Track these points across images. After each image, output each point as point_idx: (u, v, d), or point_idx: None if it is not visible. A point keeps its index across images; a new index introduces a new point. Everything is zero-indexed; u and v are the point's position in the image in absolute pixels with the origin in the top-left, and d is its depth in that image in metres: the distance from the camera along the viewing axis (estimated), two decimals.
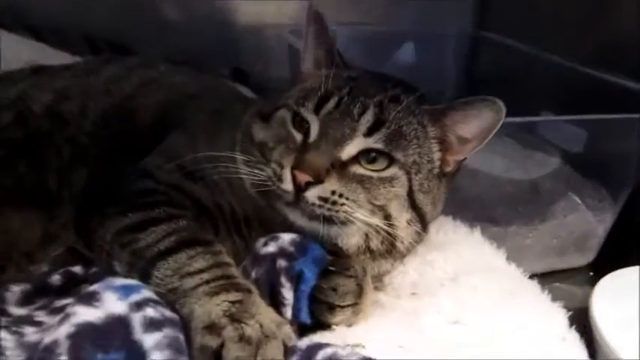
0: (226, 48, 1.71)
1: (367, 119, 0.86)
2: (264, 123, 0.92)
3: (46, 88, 1.09)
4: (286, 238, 0.85)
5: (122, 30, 1.61)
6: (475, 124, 0.88)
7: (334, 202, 0.82)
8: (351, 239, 0.88)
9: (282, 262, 0.82)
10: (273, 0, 1.71)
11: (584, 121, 1.20)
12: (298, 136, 0.87)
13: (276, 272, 0.81)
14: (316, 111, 0.87)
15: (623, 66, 1.31)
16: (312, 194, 0.82)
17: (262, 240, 0.86)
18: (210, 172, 0.90)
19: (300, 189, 0.81)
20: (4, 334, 0.74)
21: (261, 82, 1.62)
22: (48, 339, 0.67)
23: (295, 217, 0.85)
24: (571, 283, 1.21)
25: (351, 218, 0.84)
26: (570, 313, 0.88)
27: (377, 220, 0.86)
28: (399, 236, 0.89)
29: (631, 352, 0.87)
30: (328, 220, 0.84)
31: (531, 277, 1.17)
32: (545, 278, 1.19)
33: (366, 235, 0.88)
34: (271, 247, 0.84)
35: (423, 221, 0.91)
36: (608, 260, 1.24)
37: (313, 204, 0.82)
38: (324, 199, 0.82)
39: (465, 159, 0.95)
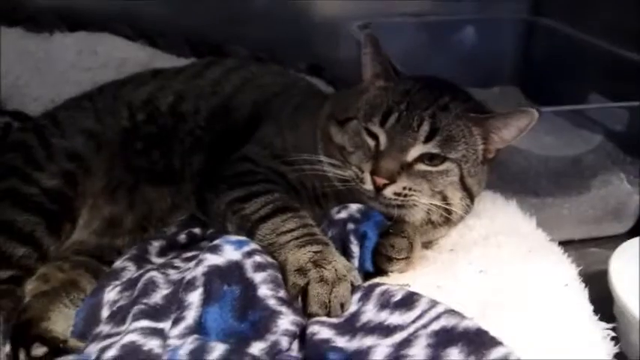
0: (303, 43, 1.94)
1: (425, 129, 1.04)
2: (339, 127, 1.11)
3: (166, 91, 1.35)
4: (354, 207, 1.07)
5: (216, 30, 1.88)
6: (513, 129, 1.08)
7: (405, 195, 1.05)
8: (416, 216, 1.09)
9: (350, 225, 1.04)
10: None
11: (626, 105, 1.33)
12: (371, 144, 1.06)
13: (346, 233, 1.04)
14: (382, 124, 1.06)
15: None
16: (388, 192, 1.04)
17: (336, 209, 1.08)
18: (297, 158, 1.12)
19: (379, 189, 1.04)
20: (155, 273, 1.00)
21: (334, 75, 1.84)
22: (189, 275, 0.92)
23: (375, 205, 1.08)
24: (608, 249, 1.24)
25: (417, 203, 1.07)
26: (581, 268, 1.05)
27: (437, 201, 1.08)
28: (453, 211, 1.10)
29: None
30: (399, 206, 1.07)
31: (569, 242, 1.33)
32: (583, 244, 1.39)
33: (428, 211, 1.08)
34: (343, 214, 1.06)
35: (471, 197, 1.13)
36: None
37: (390, 198, 1.05)
38: (398, 194, 1.04)
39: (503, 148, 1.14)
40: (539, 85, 1.95)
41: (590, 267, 1.19)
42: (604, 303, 1.06)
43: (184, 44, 1.83)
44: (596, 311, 0.96)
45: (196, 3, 1.87)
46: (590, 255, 1.36)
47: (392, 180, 1.03)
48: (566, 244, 1.14)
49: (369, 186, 1.05)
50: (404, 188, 1.04)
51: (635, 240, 1.19)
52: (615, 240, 1.28)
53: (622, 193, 1.43)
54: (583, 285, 1.00)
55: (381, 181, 1.03)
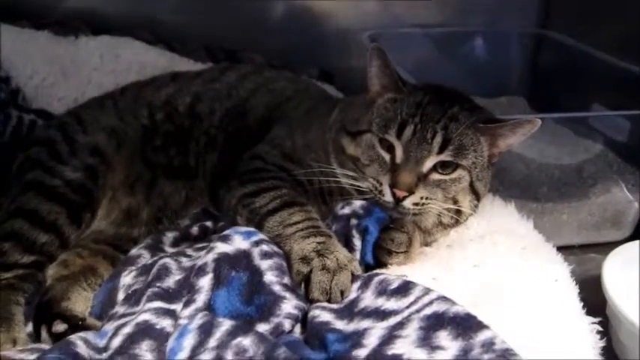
0: (315, 51, 2.02)
1: (438, 141, 1.09)
2: (351, 138, 1.16)
3: (185, 93, 1.42)
4: (357, 203, 1.13)
5: (232, 37, 1.96)
6: (518, 135, 1.14)
7: (423, 204, 1.11)
8: (429, 220, 1.15)
9: (353, 220, 1.10)
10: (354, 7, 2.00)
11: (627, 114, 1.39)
12: (387, 157, 1.11)
13: (349, 227, 1.09)
14: (398, 137, 1.10)
15: None
16: (408, 202, 1.10)
17: (340, 204, 1.13)
18: (304, 157, 1.19)
19: (398, 200, 1.09)
20: (168, 259, 1.06)
21: (344, 81, 1.90)
22: (200, 262, 0.99)
23: (393, 214, 1.13)
24: (606, 255, 1.23)
25: (432, 210, 1.13)
26: (579, 273, 1.09)
27: (449, 205, 1.15)
28: (463, 212, 1.17)
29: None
30: (414, 213, 1.13)
31: (570, 248, 1.40)
32: (583, 250, 1.44)
33: (439, 214, 1.14)
34: (346, 210, 1.12)
35: (478, 198, 1.20)
36: None
37: (409, 208, 1.11)
38: (416, 204, 1.10)
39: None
40: (544, 95, 2.00)
41: (589, 272, 1.25)
42: (600, 305, 1.09)
43: (201, 50, 1.91)
44: (592, 313, 0.99)
45: (214, 11, 1.95)
46: (589, 260, 1.41)
47: (411, 191, 1.09)
48: (566, 250, 1.18)
49: (388, 198, 1.10)
50: (421, 198, 1.10)
51: (627, 245, 1.23)
52: (614, 246, 1.28)
53: (621, 201, 1.47)
54: (573, 282, 1.05)
55: (401, 193, 1.09)
